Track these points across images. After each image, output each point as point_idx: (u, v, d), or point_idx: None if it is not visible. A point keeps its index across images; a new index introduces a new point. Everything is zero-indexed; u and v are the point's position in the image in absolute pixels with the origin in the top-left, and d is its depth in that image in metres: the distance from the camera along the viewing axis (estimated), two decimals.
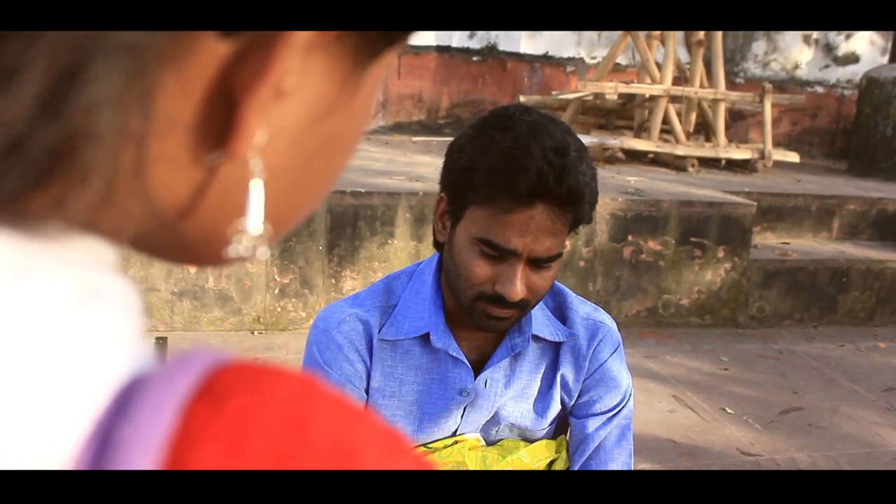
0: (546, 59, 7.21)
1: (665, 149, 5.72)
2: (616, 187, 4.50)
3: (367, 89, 0.34)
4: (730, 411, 3.34)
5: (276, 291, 3.78)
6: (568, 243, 4.05)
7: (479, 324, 1.21)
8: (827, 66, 8.01)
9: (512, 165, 1.09)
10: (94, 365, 0.27)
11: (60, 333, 0.26)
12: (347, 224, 3.81)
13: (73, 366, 0.27)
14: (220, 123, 0.29)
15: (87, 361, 0.27)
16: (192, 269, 3.66)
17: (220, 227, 0.32)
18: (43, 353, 0.26)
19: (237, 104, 0.29)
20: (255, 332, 3.75)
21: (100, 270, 0.29)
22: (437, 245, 1.29)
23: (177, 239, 0.33)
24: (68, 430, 0.26)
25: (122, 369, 0.28)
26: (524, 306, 1.20)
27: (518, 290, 1.15)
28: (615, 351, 1.36)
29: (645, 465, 2.83)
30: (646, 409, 3.24)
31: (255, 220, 0.32)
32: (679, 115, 6.10)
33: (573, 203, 1.12)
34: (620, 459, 1.36)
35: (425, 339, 1.29)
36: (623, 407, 1.37)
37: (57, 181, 0.26)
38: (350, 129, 0.35)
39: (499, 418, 1.34)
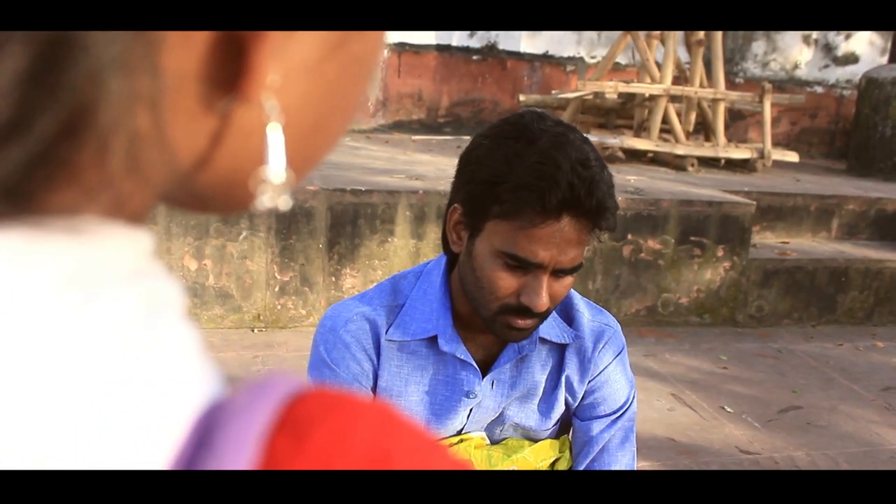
0: (546, 58, 7.20)
1: (665, 148, 5.72)
2: (616, 186, 4.48)
3: None
4: (729, 410, 3.35)
5: (277, 289, 3.79)
6: None
7: (501, 335, 1.21)
8: (826, 67, 8.01)
9: (542, 181, 1.09)
10: (173, 394, 0.27)
11: (135, 362, 0.26)
12: (347, 222, 3.81)
13: (152, 396, 0.26)
14: (231, 67, 0.27)
15: (165, 391, 0.26)
16: (192, 266, 3.66)
17: (241, 177, 0.30)
18: (120, 384, 0.25)
19: (246, 47, 0.27)
20: (256, 330, 3.76)
21: (151, 272, 0.28)
22: (448, 251, 1.28)
23: (199, 193, 0.31)
24: (151, 465, 0.25)
25: (199, 396, 0.28)
26: (545, 315, 1.20)
27: (544, 301, 1.15)
28: (619, 353, 1.37)
29: (644, 464, 2.83)
30: (645, 407, 3.25)
31: (276, 167, 0.30)
32: (679, 114, 6.09)
33: (600, 215, 1.14)
34: (624, 461, 1.36)
35: (432, 340, 1.29)
36: (627, 409, 1.37)
37: (77, 162, 0.25)
38: (368, 53, 0.33)
39: (504, 418, 1.35)
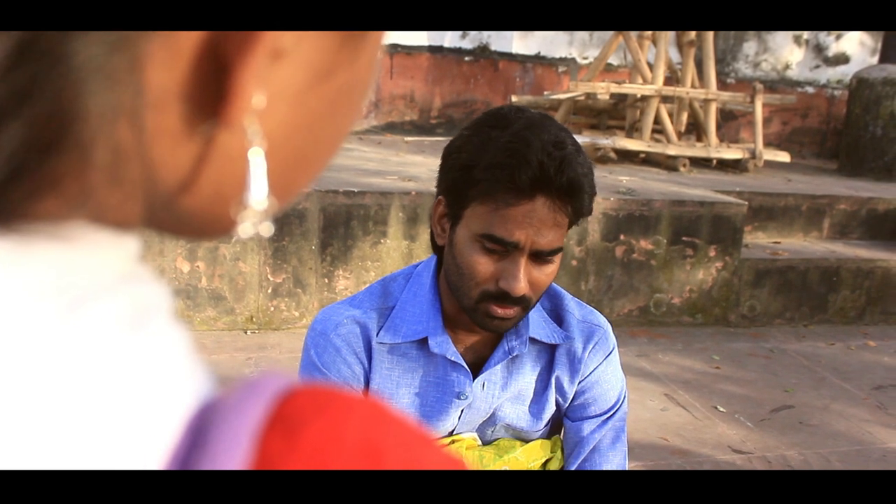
0: (538, 59, 7.21)
1: (657, 148, 5.74)
2: (608, 187, 4.51)
3: (371, 44, 0.32)
4: (721, 409, 3.35)
5: (269, 291, 3.78)
6: None
7: (482, 324, 1.21)
8: (817, 67, 8.04)
9: (513, 159, 1.11)
10: (164, 397, 0.27)
11: (124, 366, 0.26)
12: (340, 224, 3.81)
13: (143, 400, 0.26)
14: (215, 91, 0.27)
15: (155, 394, 0.26)
16: (185, 269, 3.66)
17: (224, 202, 0.30)
18: (110, 389, 0.25)
19: (230, 69, 0.27)
20: (248, 332, 3.75)
21: (138, 277, 0.28)
22: (436, 249, 1.29)
23: (182, 217, 0.31)
24: (145, 467, 0.25)
25: (190, 397, 0.28)
26: (526, 304, 1.20)
27: (522, 285, 1.15)
28: (610, 354, 1.36)
29: (637, 464, 2.84)
30: (638, 407, 3.25)
31: (258, 193, 0.29)
32: (670, 115, 6.11)
33: (573, 195, 1.14)
34: (615, 461, 1.36)
35: (423, 342, 1.29)
36: (617, 409, 1.37)
37: (59, 173, 0.25)
38: (355, 87, 0.33)
39: (495, 419, 1.35)
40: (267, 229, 0.30)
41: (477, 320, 1.21)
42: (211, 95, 0.27)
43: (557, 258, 1.20)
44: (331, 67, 0.30)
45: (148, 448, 0.26)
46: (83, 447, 0.24)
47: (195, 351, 0.30)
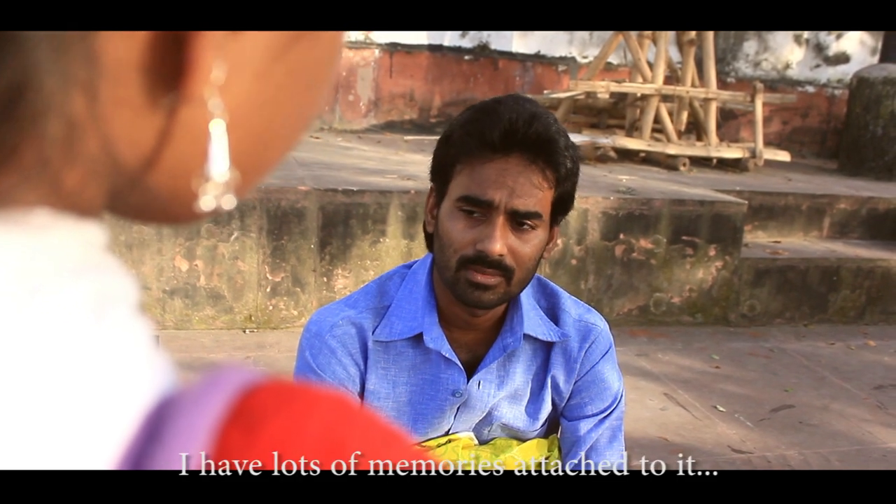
0: (538, 58, 7.21)
1: (656, 148, 5.73)
2: (608, 186, 4.51)
3: None
4: (721, 409, 3.35)
5: (268, 290, 3.78)
6: (560, 241, 4.05)
7: (465, 296, 1.20)
8: (818, 66, 8.03)
9: (485, 115, 1.16)
10: (121, 388, 0.26)
11: (82, 355, 0.25)
12: (339, 222, 3.80)
13: (99, 390, 0.25)
14: (175, 63, 0.27)
15: (113, 385, 0.26)
16: (183, 267, 3.65)
17: (189, 180, 0.30)
18: (66, 378, 0.25)
19: (188, 40, 0.26)
20: (247, 331, 3.75)
21: (102, 266, 0.28)
22: (428, 238, 1.29)
23: (147, 196, 0.30)
24: (98, 459, 0.25)
25: (149, 390, 0.27)
26: (507, 272, 1.18)
27: (498, 245, 1.15)
28: (607, 353, 1.36)
29: (636, 463, 2.83)
30: (637, 407, 3.25)
31: (218, 164, 0.29)
32: (670, 114, 6.10)
33: (545, 150, 1.15)
34: (613, 460, 1.36)
35: (418, 339, 1.29)
36: (615, 408, 1.37)
37: (12, 144, 0.24)
38: (320, 58, 0.32)
39: (491, 418, 1.34)
40: (229, 202, 0.30)
41: (458, 292, 1.20)
42: (171, 68, 0.27)
43: (541, 229, 1.20)
44: (292, 40, 0.30)
45: (103, 440, 0.25)
46: (34, 439, 0.24)
47: (156, 344, 0.29)
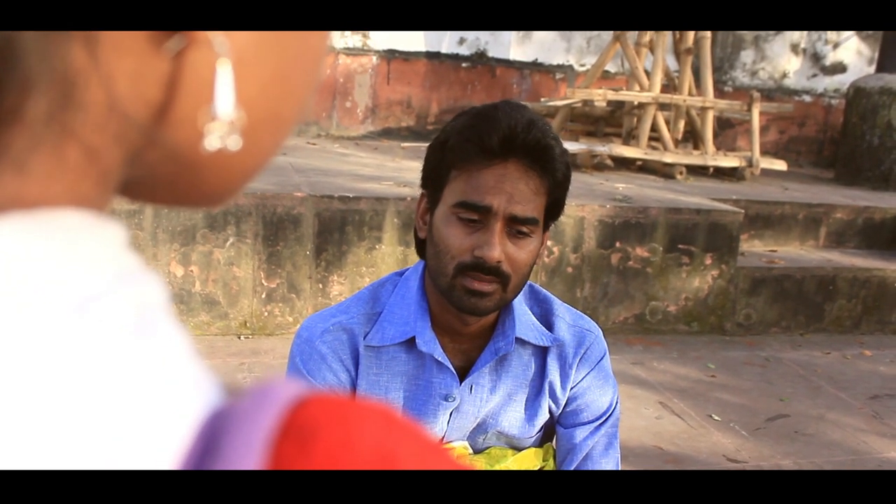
0: (535, 65, 7.22)
1: (653, 156, 5.74)
2: (604, 194, 4.50)
3: None
4: (716, 418, 3.34)
5: (263, 296, 3.77)
6: (556, 249, 4.05)
7: (461, 303, 1.20)
8: (814, 76, 8.05)
9: (483, 121, 1.15)
10: (175, 403, 0.26)
11: (132, 371, 0.25)
12: (335, 229, 3.80)
13: (153, 407, 0.25)
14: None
15: (166, 400, 0.26)
16: (178, 273, 3.64)
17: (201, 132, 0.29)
18: (122, 397, 0.24)
19: None
20: (242, 337, 3.74)
21: (135, 272, 0.27)
22: (419, 245, 1.29)
23: (168, 158, 0.30)
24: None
25: (201, 404, 0.27)
26: (504, 279, 1.18)
27: (496, 252, 1.15)
28: (601, 359, 1.36)
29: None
30: (632, 415, 3.24)
31: (223, 102, 0.28)
32: (667, 122, 6.11)
33: (543, 157, 1.16)
34: (608, 467, 1.35)
35: (410, 344, 1.28)
36: (610, 416, 1.36)
37: (12, 100, 0.24)
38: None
39: (486, 426, 1.34)
40: (235, 143, 0.29)
41: (454, 299, 1.20)
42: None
43: (536, 235, 1.20)
44: None
45: (160, 457, 0.25)
46: (94, 454, 0.23)
47: (197, 355, 0.29)
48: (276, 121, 0.32)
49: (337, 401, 0.28)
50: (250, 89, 0.29)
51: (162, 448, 0.25)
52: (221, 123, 0.29)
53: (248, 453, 0.25)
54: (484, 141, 1.14)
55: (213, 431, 0.26)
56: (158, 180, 0.31)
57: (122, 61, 0.26)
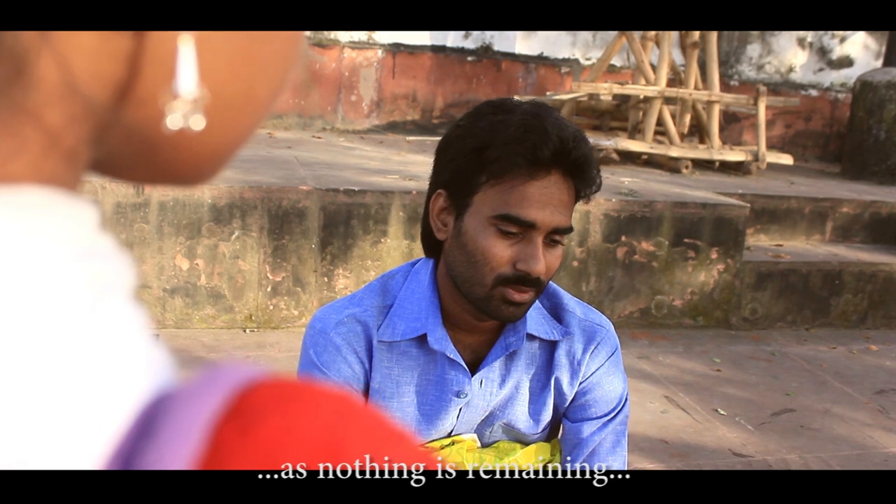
0: (541, 59, 7.20)
1: (659, 150, 5.72)
2: (610, 188, 4.50)
3: None
4: (722, 412, 3.34)
5: (269, 289, 3.77)
6: None
7: (497, 313, 1.19)
8: (821, 70, 8.03)
9: (531, 134, 1.12)
10: (115, 382, 0.25)
11: (75, 347, 0.24)
12: (340, 222, 3.80)
13: (92, 384, 0.24)
14: None
15: (106, 378, 0.25)
16: (184, 266, 3.65)
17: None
18: (58, 371, 0.24)
19: None
20: (247, 330, 3.74)
21: (101, 251, 0.27)
22: (431, 245, 1.28)
23: (133, 139, 0.29)
24: (87, 455, 0.24)
25: (144, 384, 0.26)
26: (539, 287, 1.19)
27: (541, 266, 1.16)
28: (612, 354, 1.34)
29: (637, 466, 2.83)
30: (638, 409, 3.24)
31: (185, 79, 0.27)
32: (673, 116, 6.10)
33: (586, 169, 1.17)
34: (615, 465, 1.33)
35: (422, 339, 1.27)
36: (619, 412, 1.34)
37: None
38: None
39: (492, 418, 1.33)
40: (198, 122, 0.28)
41: (491, 309, 1.19)
42: None
43: (564, 240, 1.22)
44: None
45: (94, 437, 0.24)
46: (21, 435, 0.23)
47: (151, 331, 0.28)
48: (247, 101, 0.31)
49: (289, 385, 0.27)
50: (217, 67, 0.28)
51: (95, 427, 0.24)
52: (183, 102, 0.27)
53: (186, 435, 0.24)
54: (536, 154, 1.12)
55: (156, 412, 0.25)
56: (128, 159, 0.30)
57: (78, 38, 0.25)
